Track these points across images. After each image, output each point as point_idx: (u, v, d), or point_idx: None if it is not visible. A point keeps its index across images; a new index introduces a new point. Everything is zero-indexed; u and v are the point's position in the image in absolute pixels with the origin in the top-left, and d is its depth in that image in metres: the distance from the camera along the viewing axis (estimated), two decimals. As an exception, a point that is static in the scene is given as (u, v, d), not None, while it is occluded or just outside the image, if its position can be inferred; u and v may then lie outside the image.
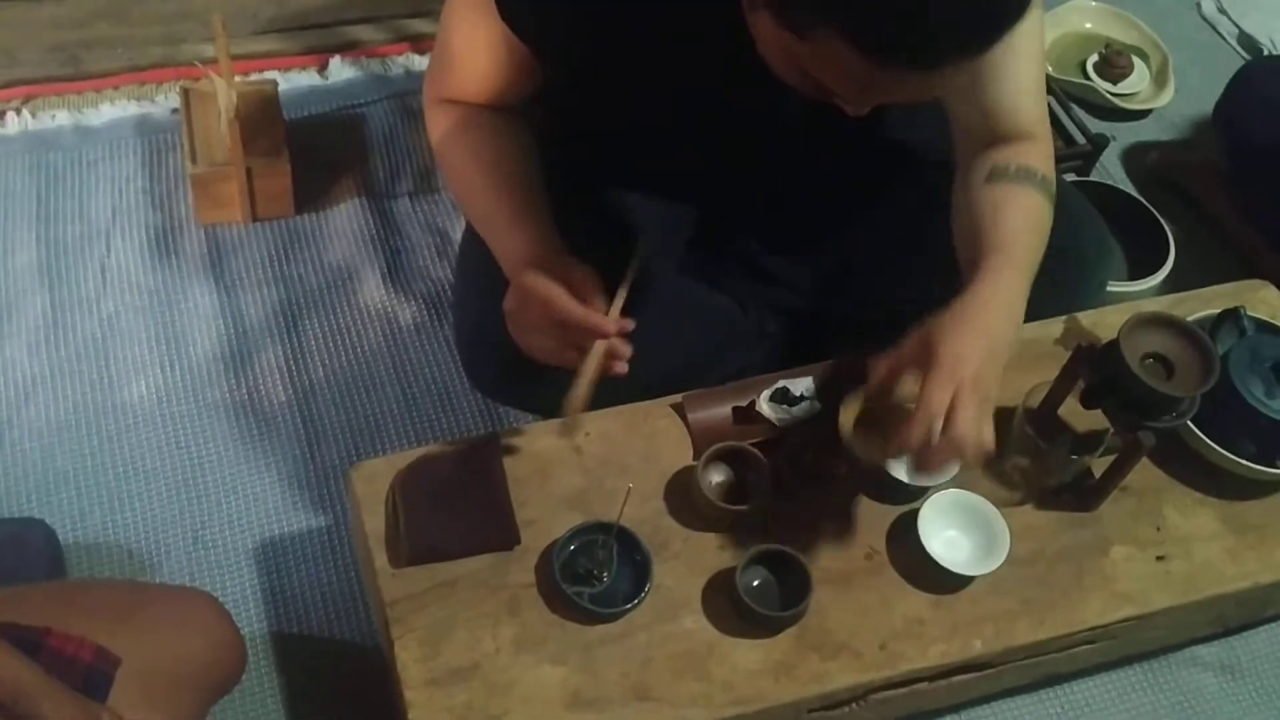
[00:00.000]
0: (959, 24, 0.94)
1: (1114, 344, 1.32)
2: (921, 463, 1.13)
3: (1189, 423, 1.42)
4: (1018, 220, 1.24)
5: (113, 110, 2.03)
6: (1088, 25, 2.41)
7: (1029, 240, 1.24)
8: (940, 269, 1.54)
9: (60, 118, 2.01)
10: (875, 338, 1.54)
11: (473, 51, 1.27)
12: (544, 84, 1.31)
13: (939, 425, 1.10)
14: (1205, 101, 2.09)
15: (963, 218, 1.29)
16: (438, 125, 1.33)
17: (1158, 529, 1.43)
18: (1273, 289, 1.66)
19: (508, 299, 1.20)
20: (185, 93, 1.91)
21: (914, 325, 1.18)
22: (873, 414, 1.23)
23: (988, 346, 1.14)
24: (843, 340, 1.54)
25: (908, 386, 1.17)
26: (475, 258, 1.41)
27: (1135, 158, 2.26)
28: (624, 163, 1.43)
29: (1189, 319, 1.39)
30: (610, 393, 1.44)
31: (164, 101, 2.04)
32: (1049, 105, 2.14)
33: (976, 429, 1.10)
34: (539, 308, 1.16)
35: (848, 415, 1.25)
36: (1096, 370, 1.33)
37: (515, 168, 1.30)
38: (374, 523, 1.31)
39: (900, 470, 1.36)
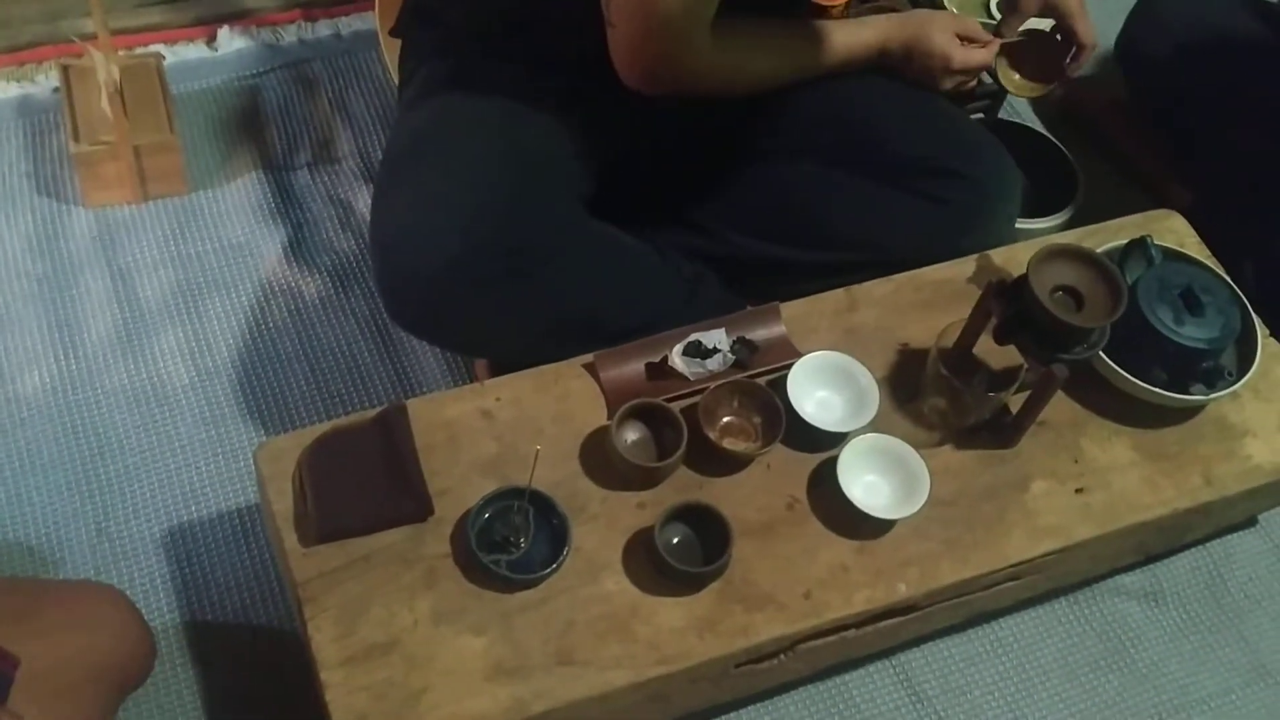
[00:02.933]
0: None
1: (1023, 278, 1.31)
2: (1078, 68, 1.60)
3: (1101, 354, 1.42)
4: None
5: (-10, 93, 1.94)
6: (989, -35, 2.39)
7: None
8: (850, 204, 1.55)
9: (-64, 104, 1.92)
10: (790, 282, 1.55)
11: None
12: None
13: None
14: (1107, 37, 2.09)
15: None
16: (707, 51, 1.37)
17: (1076, 461, 1.43)
18: (1179, 218, 1.66)
19: (953, 55, 1.52)
20: (65, 70, 1.82)
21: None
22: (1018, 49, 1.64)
23: None
24: (766, 285, 1.55)
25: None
26: (400, 194, 1.38)
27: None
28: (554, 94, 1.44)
29: (1098, 250, 1.38)
30: (530, 344, 1.42)
31: (45, 81, 1.95)
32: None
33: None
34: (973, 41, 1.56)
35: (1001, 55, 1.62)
36: (1007, 305, 1.33)
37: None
38: (282, 502, 1.27)
39: (820, 418, 1.35)
